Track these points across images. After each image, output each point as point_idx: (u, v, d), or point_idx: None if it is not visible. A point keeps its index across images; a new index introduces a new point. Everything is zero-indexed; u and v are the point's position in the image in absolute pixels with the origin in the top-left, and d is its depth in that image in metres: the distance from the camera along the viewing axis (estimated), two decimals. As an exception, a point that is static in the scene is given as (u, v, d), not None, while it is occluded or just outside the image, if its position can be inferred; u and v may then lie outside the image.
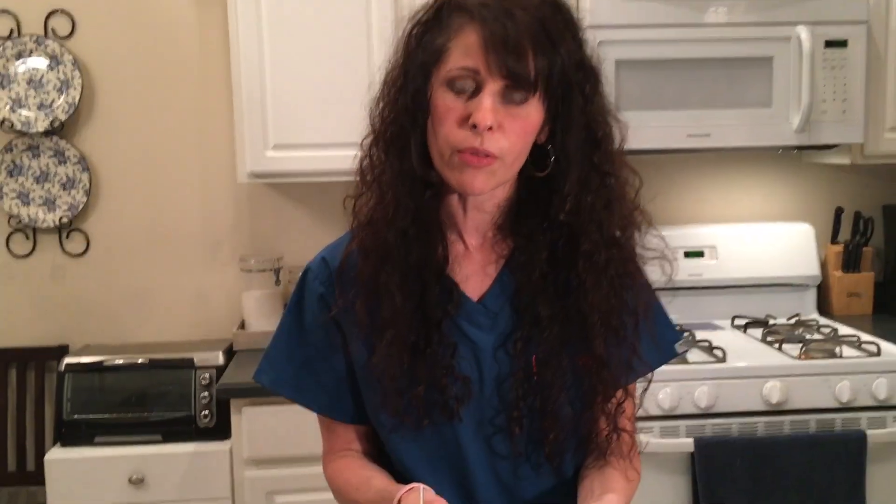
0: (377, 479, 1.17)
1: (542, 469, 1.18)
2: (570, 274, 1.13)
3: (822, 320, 2.71)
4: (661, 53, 2.45)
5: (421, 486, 1.06)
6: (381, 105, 1.14)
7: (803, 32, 2.43)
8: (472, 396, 1.14)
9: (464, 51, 1.05)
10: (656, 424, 2.22)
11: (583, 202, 1.12)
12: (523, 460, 1.17)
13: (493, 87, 1.05)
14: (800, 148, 2.64)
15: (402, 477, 1.18)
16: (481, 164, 1.07)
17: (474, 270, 1.19)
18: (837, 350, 2.35)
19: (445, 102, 1.07)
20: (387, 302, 1.12)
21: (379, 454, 1.26)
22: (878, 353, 2.32)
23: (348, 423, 1.25)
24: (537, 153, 1.13)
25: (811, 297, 2.83)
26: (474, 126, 1.04)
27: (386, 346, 1.12)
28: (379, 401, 1.15)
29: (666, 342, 1.30)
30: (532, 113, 1.08)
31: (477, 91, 1.05)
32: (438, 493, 1.07)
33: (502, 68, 1.03)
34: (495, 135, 1.06)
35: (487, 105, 1.04)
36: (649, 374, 1.25)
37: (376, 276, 1.13)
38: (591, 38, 2.52)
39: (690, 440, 2.21)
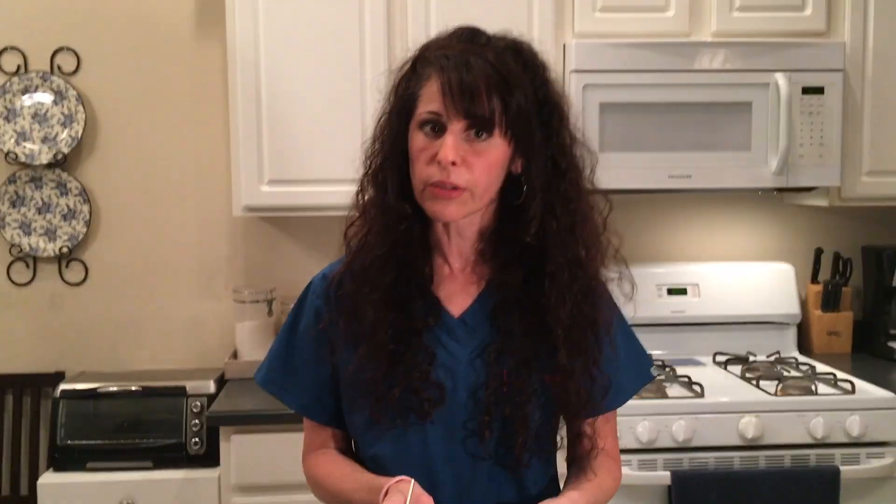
0: (360, 473, 1.29)
1: (502, 477, 1.28)
2: (539, 292, 1.25)
3: (802, 358, 2.78)
4: (644, 97, 2.54)
5: (412, 479, 1.16)
6: (372, 144, 1.29)
7: (781, 79, 2.52)
8: (444, 402, 1.25)
9: (429, 97, 1.20)
10: (634, 457, 2.28)
11: (547, 227, 1.24)
12: (490, 464, 1.27)
13: (455, 128, 1.18)
14: (779, 190, 2.72)
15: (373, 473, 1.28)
16: (451, 196, 1.20)
17: (457, 290, 1.31)
18: (813, 387, 2.41)
19: (418, 143, 1.21)
20: (366, 316, 1.25)
21: (351, 454, 1.38)
22: (853, 391, 2.38)
23: (326, 424, 1.37)
24: (514, 183, 1.25)
25: (791, 335, 2.90)
26: (440, 162, 1.17)
27: (367, 351, 1.24)
28: (357, 401, 1.27)
29: (642, 367, 1.42)
30: (495, 148, 1.20)
31: (442, 131, 1.19)
32: None
33: (460, 111, 1.17)
34: (460, 169, 1.18)
35: (449, 143, 1.18)
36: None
37: (357, 295, 1.26)
38: (576, 81, 2.60)
39: (668, 473, 2.26)
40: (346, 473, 1.31)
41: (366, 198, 1.29)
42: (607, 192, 1.33)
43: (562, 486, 1.35)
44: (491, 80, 1.17)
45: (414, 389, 1.23)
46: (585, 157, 1.28)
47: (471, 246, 1.31)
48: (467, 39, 1.23)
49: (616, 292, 1.33)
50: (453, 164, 1.17)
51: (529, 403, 1.24)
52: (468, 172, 1.19)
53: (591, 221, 1.28)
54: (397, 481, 1.17)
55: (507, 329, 1.26)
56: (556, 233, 1.24)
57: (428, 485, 1.25)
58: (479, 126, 1.18)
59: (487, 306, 1.29)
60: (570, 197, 1.25)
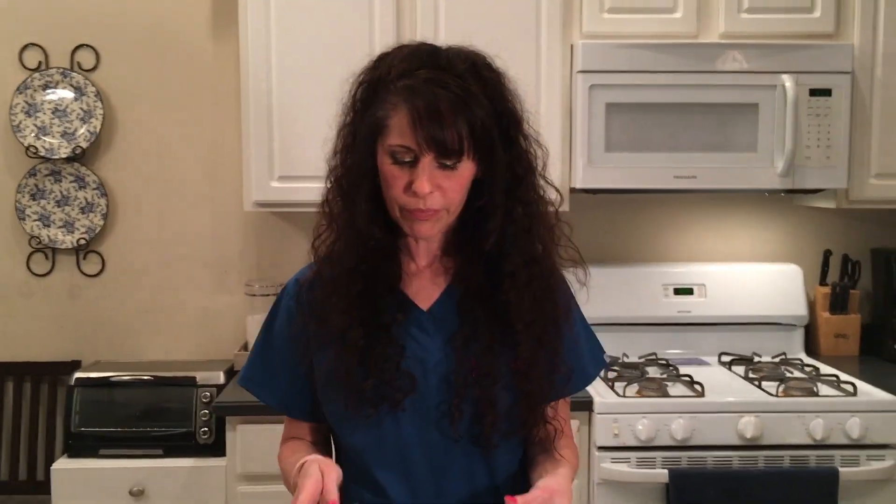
0: (301, 455, 1.32)
1: (475, 459, 1.33)
2: (501, 287, 1.31)
3: (808, 360, 2.78)
4: (651, 98, 2.55)
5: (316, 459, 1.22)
6: (336, 156, 1.32)
7: (788, 81, 2.53)
8: (416, 390, 1.30)
9: (399, 130, 1.23)
10: (633, 455, 2.30)
11: (506, 232, 1.30)
12: (463, 445, 1.32)
13: (426, 160, 1.23)
14: (787, 191, 2.72)
15: (352, 461, 1.35)
16: (428, 218, 1.26)
17: (424, 284, 1.38)
18: (815, 388, 2.42)
19: (391, 171, 1.25)
20: (336, 320, 1.30)
21: (327, 444, 1.45)
22: (854, 393, 2.39)
23: (302, 419, 1.43)
24: (475, 185, 1.31)
25: (799, 336, 2.90)
26: (416, 193, 1.23)
27: (339, 351, 1.30)
28: (332, 395, 1.33)
29: (598, 354, 1.49)
30: (464, 169, 1.26)
31: (415, 162, 1.23)
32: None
33: (431, 144, 1.22)
34: (434, 195, 1.25)
35: (424, 177, 1.23)
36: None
37: (327, 303, 1.31)
38: (583, 81, 2.62)
39: (665, 471, 2.28)
40: (296, 459, 1.33)
41: (333, 209, 1.32)
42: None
43: (527, 466, 1.39)
44: (457, 110, 1.21)
45: (385, 381, 1.29)
46: (538, 153, 1.33)
47: (436, 246, 1.38)
48: (428, 62, 1.25)
49: (571, 280, 1.39)
50: (430, 192, 1.23)
51: (496, 385, 1.29)
52: (442, 197, 1.25)
53: (546, 217, 1.34)
54: (310, 460, 1.22)
55: (473, 318, 1.32)
56: (514, 235, 1.30)
57: (404, 468, 1.31)
58: (448, 155, 1.22)
59: (455, 297, 1.35)
60: (528, 200, 1.31)
